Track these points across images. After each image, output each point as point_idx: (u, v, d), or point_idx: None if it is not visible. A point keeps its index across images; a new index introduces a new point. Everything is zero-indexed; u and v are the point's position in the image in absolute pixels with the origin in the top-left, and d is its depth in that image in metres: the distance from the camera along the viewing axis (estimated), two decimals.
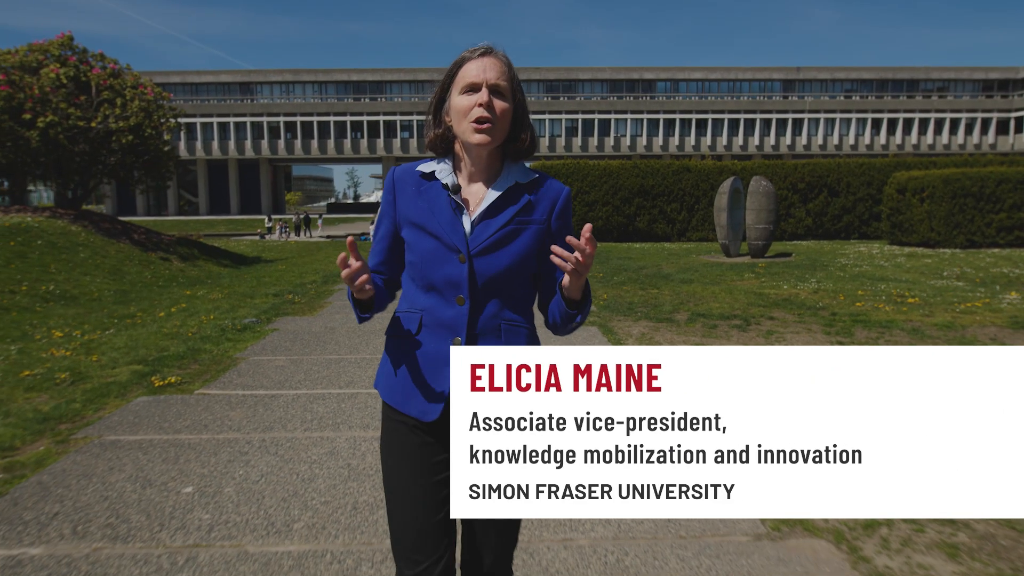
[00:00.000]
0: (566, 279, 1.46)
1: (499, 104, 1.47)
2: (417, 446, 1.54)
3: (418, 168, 1.58)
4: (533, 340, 1.61)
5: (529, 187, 1.57)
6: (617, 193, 21.24)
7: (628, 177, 21.31)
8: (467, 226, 1.52)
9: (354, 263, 1.40)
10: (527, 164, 1.65)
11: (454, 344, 1.50)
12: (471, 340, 1.51)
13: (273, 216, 46.12)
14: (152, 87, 14.97)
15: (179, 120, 16.35)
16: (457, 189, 1.54)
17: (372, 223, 39.30)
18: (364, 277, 1.41)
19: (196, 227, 38.44)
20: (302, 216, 40.06)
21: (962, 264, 13.20)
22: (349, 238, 1.40)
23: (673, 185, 21.35)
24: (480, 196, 1.55)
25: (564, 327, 1.59)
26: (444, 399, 1.50)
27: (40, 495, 3.26)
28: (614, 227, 21.26)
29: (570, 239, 1.38)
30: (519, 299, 1.59)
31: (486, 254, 1.51)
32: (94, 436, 4.09)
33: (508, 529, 1.61)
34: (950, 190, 17.00)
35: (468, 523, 1.60)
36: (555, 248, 1.41)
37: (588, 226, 1.35)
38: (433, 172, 1.56)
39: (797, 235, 21.64)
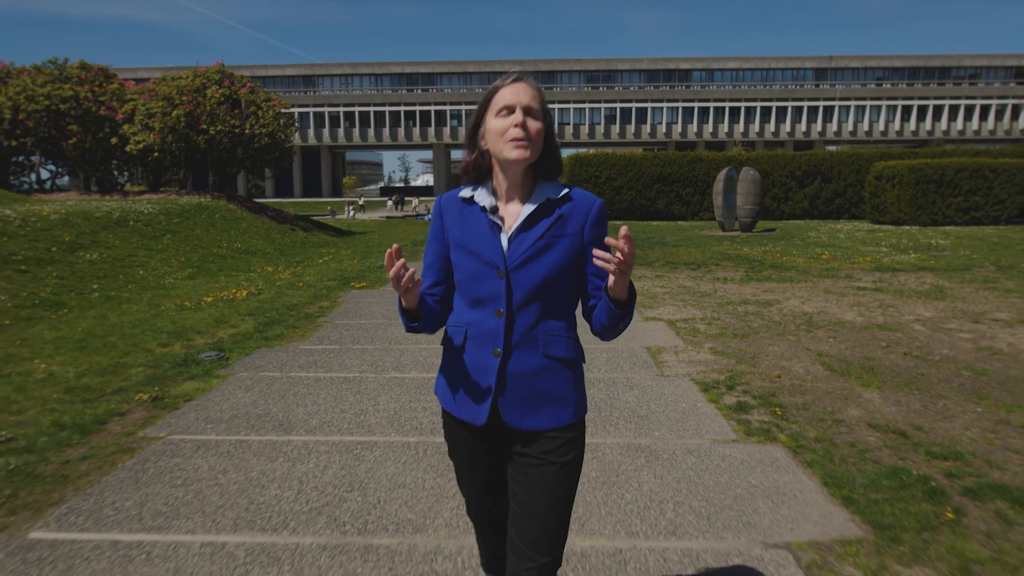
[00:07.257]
0: (611, 280, 1.53)
1: (533, 124, 1.60)
2: (470, 446, 1.76)
3: (460, 194, 1.73)
4: (573, 348, 1.72)
5: (561, 202, 1.67)
6: (640, 179, 25.29)
7: (650, 166, 25.34)
8: (504, 243, 1.64)
9: (399, 261, 1.53)
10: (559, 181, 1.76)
11: (493, 354, 1.65)
12: (509, 349, 1.65)
13: (363, 197, 52.02)
14: (280, 100, 19.88)
15: (295, 122, 21.26)
16: (495, 210, 1.66)
17: (400, 200, 44.71)
18: (411, 271, 1.53)
19: None
20: (396, 196, 45.91)
21: (904, 237, 16.65)
22: (395, 246, 1.51)
23: (688, 173, 25.29)
24: (516, 213, 1.66)
25: (612, 330, 1.65)
26: (489, 405, 1.66)
27: (344, 312, 7.84)
28: (637, 208, 25.35)
29: (608, 240, 1.47)
30: (558, 309, 1.68)
31: (522, 267, 1.62)
32: (348, 300, 8.65)
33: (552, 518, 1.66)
34: (915, 177, 20.56)
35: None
36: (597, 252, 1.49)
37: (624, 228, 1.42)
38: (472, 196, 1.71)
39: (795, 215, 25.36)
